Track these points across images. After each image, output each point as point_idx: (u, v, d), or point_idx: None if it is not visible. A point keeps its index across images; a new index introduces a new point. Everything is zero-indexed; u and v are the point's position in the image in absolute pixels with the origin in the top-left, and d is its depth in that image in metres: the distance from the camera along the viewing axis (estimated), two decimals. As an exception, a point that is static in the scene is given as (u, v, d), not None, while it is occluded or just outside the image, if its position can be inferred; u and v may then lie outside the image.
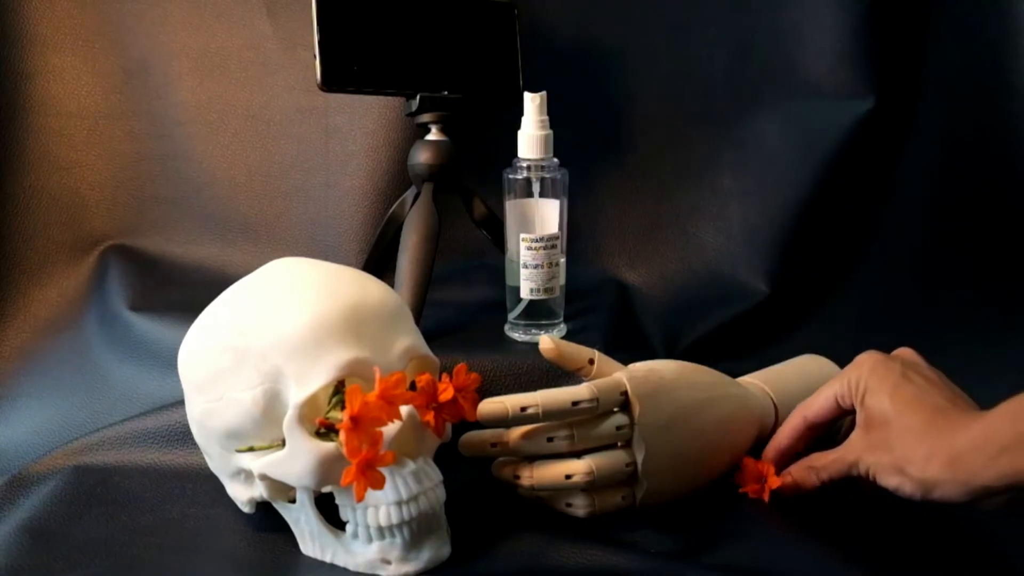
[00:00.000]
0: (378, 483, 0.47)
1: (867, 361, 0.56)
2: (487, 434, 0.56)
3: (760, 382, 0.64)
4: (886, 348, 0.82)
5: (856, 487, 0.55)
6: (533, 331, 0.69)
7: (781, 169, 0.84)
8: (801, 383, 0.66)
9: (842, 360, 0.68)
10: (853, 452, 0.54)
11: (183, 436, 0.63)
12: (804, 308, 0.81)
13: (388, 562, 0.51)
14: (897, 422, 0.53)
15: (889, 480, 0.52)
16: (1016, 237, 0.85)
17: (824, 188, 0.82)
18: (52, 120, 0.86)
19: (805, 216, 0.83)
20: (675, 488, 0.57)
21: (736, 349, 0.78)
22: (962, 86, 0.84)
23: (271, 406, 0.51)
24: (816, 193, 0.82)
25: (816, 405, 0.58)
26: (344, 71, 0.69)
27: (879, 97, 0.81)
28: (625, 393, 0.54)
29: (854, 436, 0.55)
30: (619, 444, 0.55)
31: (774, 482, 0.58)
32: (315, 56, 0.68)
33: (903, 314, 0.85)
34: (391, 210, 0.77)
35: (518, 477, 0.55)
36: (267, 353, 0.51)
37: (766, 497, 0.58)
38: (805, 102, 0.83)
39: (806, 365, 0.68)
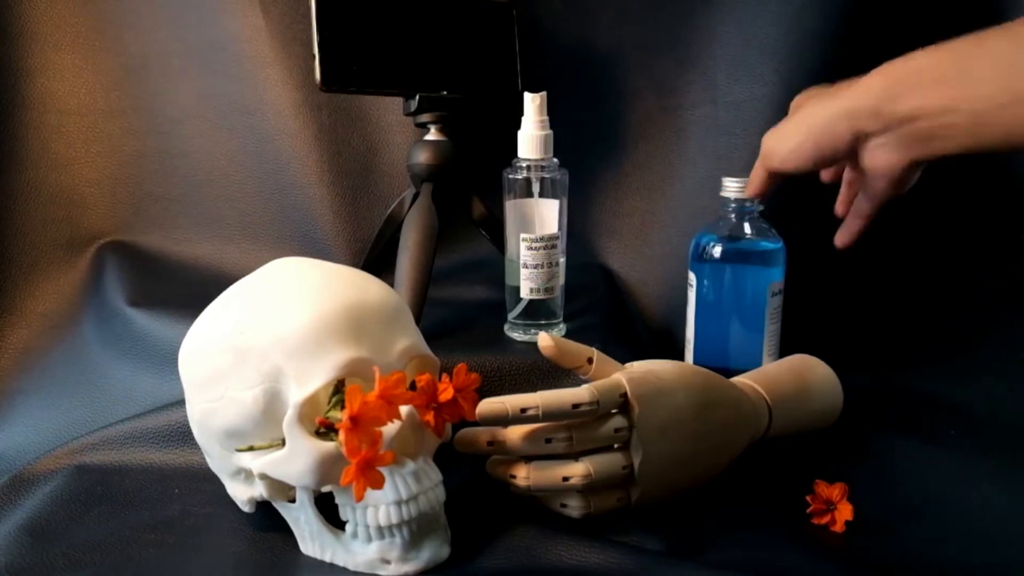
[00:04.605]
0: (378, 483, 0.47)
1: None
2: (483, 431, 0.56)
3: (753, 383, 0.64)
4: (885, 347, 0.83)
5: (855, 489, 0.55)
6: (533, 331, 0.69)
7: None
8: (794, 383, 0.66)
9: (838, 361, 0.69)
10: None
11: (183, 435, 0.63)
12: (804, 308, 0.81)
13: (388, 562, 0.51)
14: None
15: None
16: (1016, 235, 0.85)
17: (824, 187, 0.82)
18: (51, 117, 0.86)
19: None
20: (670, 490, 0.57)
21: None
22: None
23: (271, 405, 0.51)
24: (816, 192, 0.82)
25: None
26: (343, 71, 0.69)
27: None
28: (624, 395, 0.55)
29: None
30: (616, 446, 0.55)
31: (845, 510, 0.56)
32: (314, 56, 0.68)
33: (902, 313, 0.85)
34: (390, 210, 0.77)
35: (513, 476, 0.55)
36: (267, 352, 0.51)
37: (840, 528, 0.56)
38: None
39: (797, 365, 0.68)
